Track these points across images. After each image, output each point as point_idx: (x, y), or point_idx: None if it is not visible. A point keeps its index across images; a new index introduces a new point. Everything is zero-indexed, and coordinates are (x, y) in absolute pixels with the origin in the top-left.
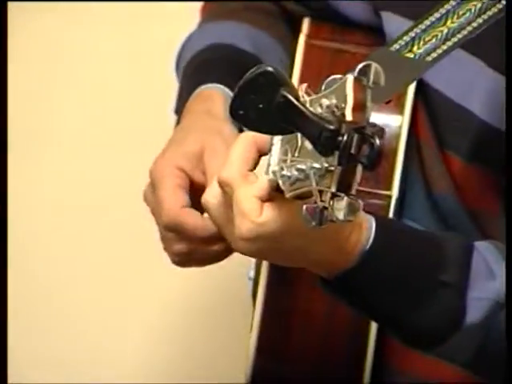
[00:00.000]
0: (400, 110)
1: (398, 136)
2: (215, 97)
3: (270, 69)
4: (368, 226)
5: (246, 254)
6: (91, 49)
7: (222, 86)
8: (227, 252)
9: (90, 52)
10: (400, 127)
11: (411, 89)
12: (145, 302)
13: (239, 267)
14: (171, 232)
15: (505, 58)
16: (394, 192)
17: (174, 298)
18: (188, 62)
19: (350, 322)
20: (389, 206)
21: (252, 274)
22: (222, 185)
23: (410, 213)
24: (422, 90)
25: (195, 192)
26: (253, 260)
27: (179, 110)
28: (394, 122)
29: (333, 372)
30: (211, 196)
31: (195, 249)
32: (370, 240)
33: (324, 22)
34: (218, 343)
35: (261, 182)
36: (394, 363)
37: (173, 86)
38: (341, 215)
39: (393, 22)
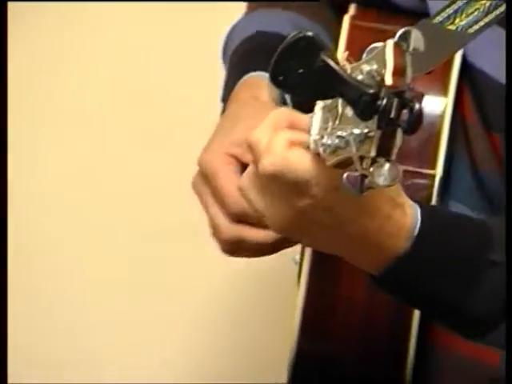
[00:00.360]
0: (444, 90)
1: (442, 115)
2: (261, 84)
3: (309, 34)
4: (413, 212)
5: (273, 217)
6: (91, 48)
7: (267, 74)
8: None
9: (91, 52)
10: (445, 106)
11: (455, 69)
12: (166, 296)
13: (283, 254)
14: (236, 219)
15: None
16: (438, 171)
17: (207, 291)
18: (234, 50)
19: (392, 304)
20: (433, 185)
21: (297, 257)
22: (252, 146)
23: (455, 192)
24: (467, 71)
25: None
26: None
27: (225, 99)
28: (438, 102)
29: (376, 352)
30: (244, 182)
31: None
32: (418, 225)
33: (370, 8)
34: (260, 332)
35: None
36: (439, 344)
37: (171, 85)
38: (381, 180)
39: (438, 5)
